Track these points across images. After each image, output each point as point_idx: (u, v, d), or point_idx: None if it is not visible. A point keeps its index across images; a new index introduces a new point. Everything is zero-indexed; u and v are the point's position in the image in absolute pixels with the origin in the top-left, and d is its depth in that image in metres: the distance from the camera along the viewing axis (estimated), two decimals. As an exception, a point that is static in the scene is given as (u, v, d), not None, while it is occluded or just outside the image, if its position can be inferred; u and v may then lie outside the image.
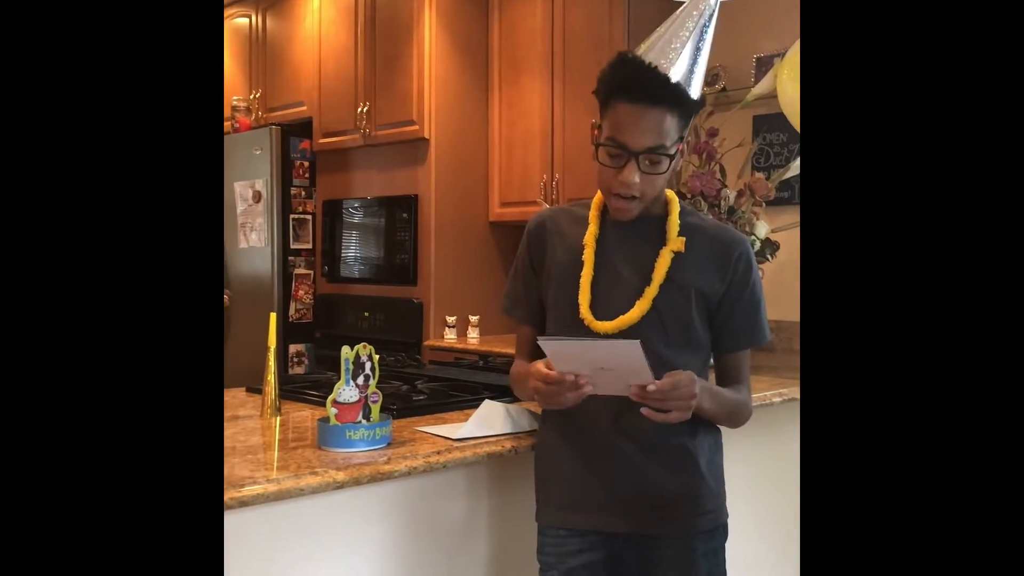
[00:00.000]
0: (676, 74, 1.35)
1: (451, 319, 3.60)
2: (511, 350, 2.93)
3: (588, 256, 1.46)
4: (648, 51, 1.38)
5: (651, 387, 1.29)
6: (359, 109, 3.81)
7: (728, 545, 1.52)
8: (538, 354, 1.58)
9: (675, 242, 1.44)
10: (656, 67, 1.34)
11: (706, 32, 1.41)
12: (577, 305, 1.45)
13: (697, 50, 1.39)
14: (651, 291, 1.42)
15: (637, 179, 1.37)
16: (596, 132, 1.42)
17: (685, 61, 1.37)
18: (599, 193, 1.48)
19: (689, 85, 1.37)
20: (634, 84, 1.34)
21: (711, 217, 1.58)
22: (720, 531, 1.50)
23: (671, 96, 1.34)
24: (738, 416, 1.52)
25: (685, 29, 1.38)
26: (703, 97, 1.43)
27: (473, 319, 3.63)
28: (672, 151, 1.37)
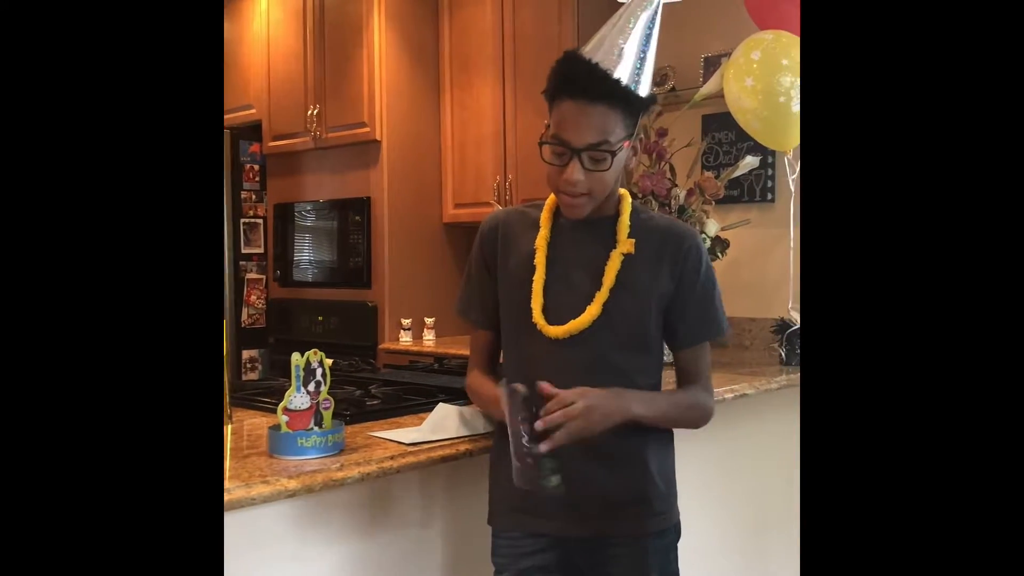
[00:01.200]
0: (623, 73, 1.35)
1: (406, 322, 3.59)
2: (467, 352, 2.93)
3: (540, 260, 1.46)
4: (593, 51, 1.37)
5: (539, 424, 1.28)
6: (309, 112, 3.78)
7: (681, 542, 1.54)
8: (495, 359, 1.58)
9: (625, 244, 1.44)
10: (597, 64, 1.34)
11: (651, 30, 1.41)
12: (530, 310, 1.44)
13: (643, 48, 1.39)
14: (601, 296, 1.42)
15: (581, 176, 1.37)
16: (545, 131, 1.42)
17: (631, 59, 1.37)
18: (552, 194, 1.49)
19: (637, 83, 1.37)
20: (575, 81, 1.34)
21: (663, 215, 1.59)
22: (671, 531, 1.51)
23: (612, 92, 1.34)
24: (691, 418, 1.50)
25: (629, 27, 1.38)
26: (653, 95, 1.43)
27: (429, 321, 3.62)
28: (616, 148, 1.36)
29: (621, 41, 1.36)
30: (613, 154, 1.37)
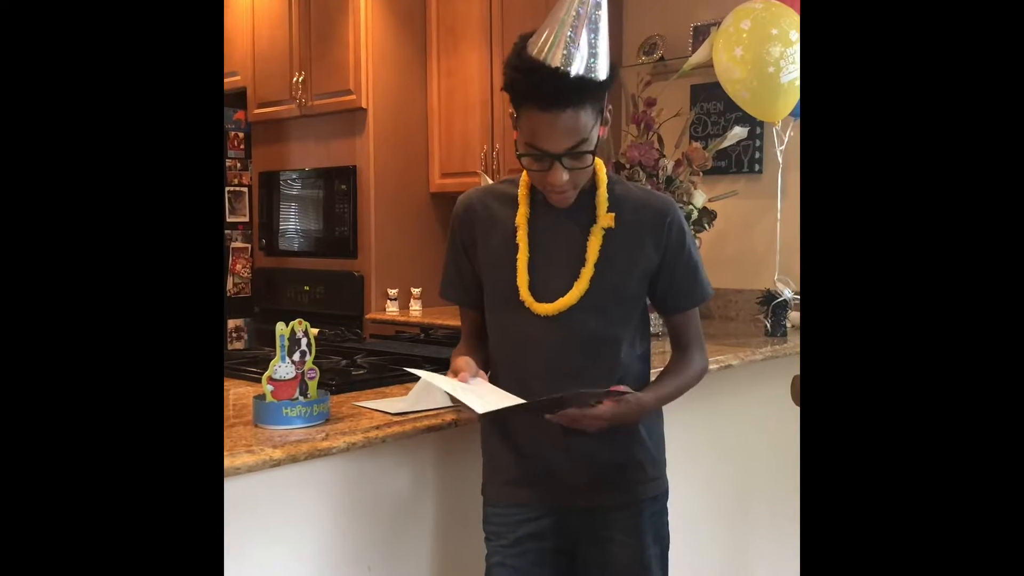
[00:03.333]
0: (579, 64, 1.30)
1: (393, 292, 3.58)
2: (453, 322, 2.93)
3: (522, 238, 1.45)
4: (544, 49, 1.31)
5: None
6: (294, 79, 3.73)
7: (669, 508, 1.56)
8: (483, 336, 1.57)
9: (604, 218, 1.44)
10: (557, 69, 1.28)
11: (599, 11, 1.34)
12: (516, 288, 1.44)
13: (593, 33, 1.33)
14: (587, 271, 1.42)
15: (565, 177, 1.36)
16: (516, 131, 1.38)
17: (584, 49, 1.31)
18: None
19: (595, 70, 1.32)
20: (541, 92, 1.30)
21: (637, 184, 1.58)
22: (663, 496, 1.54)
23: (580, 94, 1.30)
24: (689, 386, 1.55)
25: (571, 15, 1.32)
26: (611, 73, 1.36)
27: (415, 291, 3.61)
28: (593, 141, 1.35)
29: (570, 32, 1.30)
30: (593, 153, 1.37)
